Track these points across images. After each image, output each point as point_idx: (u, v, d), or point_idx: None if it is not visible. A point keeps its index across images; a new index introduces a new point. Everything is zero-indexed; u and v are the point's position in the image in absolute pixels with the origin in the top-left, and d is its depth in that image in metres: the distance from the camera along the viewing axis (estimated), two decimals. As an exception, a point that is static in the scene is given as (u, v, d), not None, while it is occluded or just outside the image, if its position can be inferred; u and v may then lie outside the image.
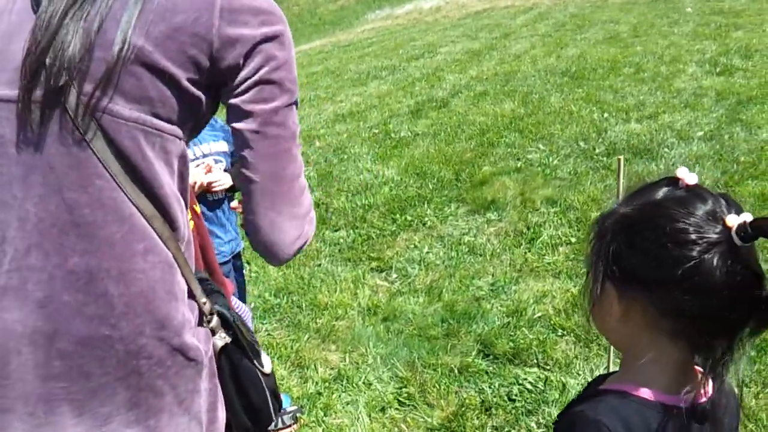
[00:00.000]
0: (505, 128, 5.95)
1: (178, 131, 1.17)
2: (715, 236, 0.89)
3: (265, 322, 3.36)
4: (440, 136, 5.90)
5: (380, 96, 7.74)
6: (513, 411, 2.60)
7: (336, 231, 4.25)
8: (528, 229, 3.98)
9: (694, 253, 0.89)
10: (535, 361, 2.82)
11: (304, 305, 3.44)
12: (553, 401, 2.61)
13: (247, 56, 1.16)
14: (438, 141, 5.79)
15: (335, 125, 6.63)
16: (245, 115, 1.18)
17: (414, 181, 4.90)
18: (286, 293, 3.56)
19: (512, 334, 3.01)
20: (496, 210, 4.28)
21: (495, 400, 2.64)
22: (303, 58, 11.31)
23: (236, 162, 1.22)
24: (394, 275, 3.65)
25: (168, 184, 1.18)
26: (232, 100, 1.18)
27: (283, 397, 2.78)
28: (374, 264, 3.78)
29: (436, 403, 2.67)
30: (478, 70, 8.73)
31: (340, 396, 2.78)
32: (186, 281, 1.24)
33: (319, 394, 2.80)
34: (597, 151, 5.15)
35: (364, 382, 2.83)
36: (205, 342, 1.29)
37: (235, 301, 2.26)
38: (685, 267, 0.89)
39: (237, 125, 1.19)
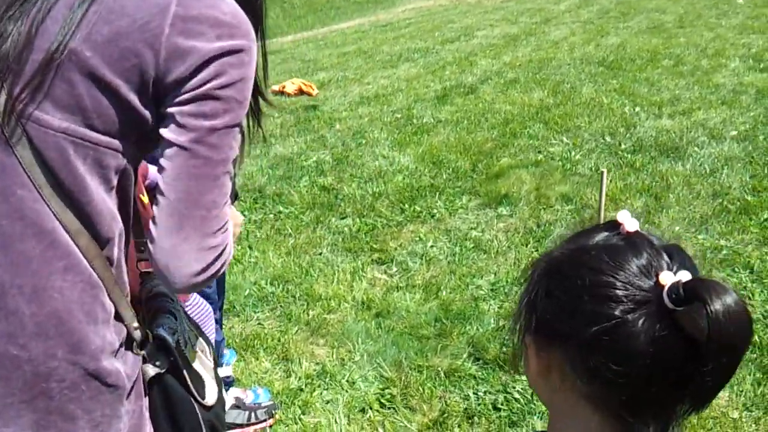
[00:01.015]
0: (530, 118, 5.77)
1: (117, 144, 1.08)
2: (643, 294, 0.76)
3: (257, 310, 3.28)
4: (462, 124, 5.74)
5: (408, 79, 7.58)
6: (497, 421, 2.48)
7: (342, 219, 4.15)
8: (538, 226, 3.82)
9: (616, 312, 0.76)
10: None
11: (298, 295, 3.35)
12: (539, 413, 2.48)
13: (198, 70, 1.05)
14: (459, 129, 5.63)
15: (358, 108, 6.51)
16: (178, 126, 1.07)
17: (429, 170, 4.76)
18: (282, 282, 3.47)
19: (506, 338, 2.88)
20: (508, 205, 4.13)
21: (479, 408, 2.53)
22: (338, 38, 11.18)
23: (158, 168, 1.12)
24: (394, 268, 3.54)
25: (101, 199, 1.09)
26: (170, 109, 1.07)
27: (262, 391, 2.71)
28: (375, 255, 3.67)
29: (418, 408, 2.56)
30: (512, 56, 8.50)
31: (321, 393, 2.69)
32: (114, 303, 1.15)
33: (301, 390, 2.72)
34: (623, 146, 4.94)
35: (347, 381, 2.74)
36: (131, 366, 1.20)
37: (194, 298, 2.18)
38: (602, 326, 0.77)
39: (165, 134, 1.07)
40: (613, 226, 0.85)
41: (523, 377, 2.64)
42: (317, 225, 4.08)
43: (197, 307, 2.26)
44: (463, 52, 8.95)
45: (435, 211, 4.13)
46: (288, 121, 6.25)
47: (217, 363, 1.55)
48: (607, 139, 5.12)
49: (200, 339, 1.50)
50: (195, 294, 2.25)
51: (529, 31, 10.27)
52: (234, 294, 3.37)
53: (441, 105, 6.42)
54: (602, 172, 1.93)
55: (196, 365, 1.41)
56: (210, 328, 2.35)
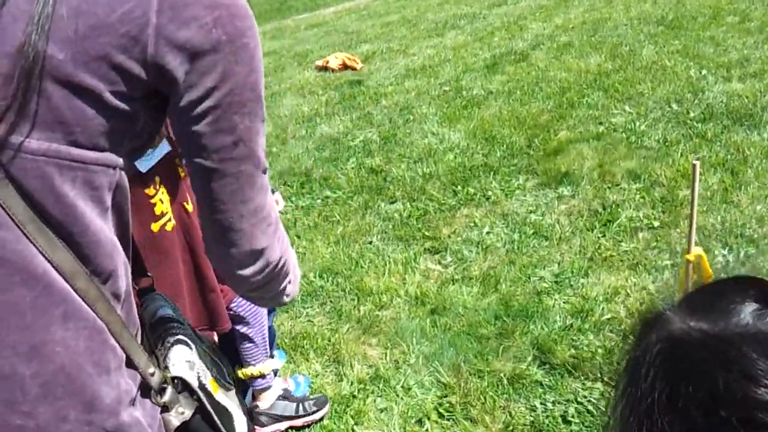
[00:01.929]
0: (588, 86, 5.42)
1: (111, 158, 0.90)
2: None
3: (306, 306, 3.11)
4: (515, 95, 5.43)
5: (456, 48, 7.26)
6: (568, 435, 2.26)
7: (392, 203, 3.94)
8: (604, 208, 3.54)
9: None
10: (598, 374, 2.46)
11: (348, 289, 3.17)
12: (615, 425, 2.25)
13: (197, 67, 0.87)
14: (512, 100, 5.33)
15: (405, 81, 6.24)
16: (199, 149, 0.92)
17: (481, 147, 4.50)
18: (332, 274, 3.29)
19: (575, 338, 2.64)
20: (569, 184, 3.84)
21: (547, 421, 2.31)
22: (380, 7, 10.85)
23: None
24: (449, 258, 3.32)
25: (99, 228, 0.91)
26: (184, 128, 0.91)
27: (302, 378, 2.61)
28: (428, 244, 3.45)
29: (480, 419, 2.36)
30: (565, 17, 8.07)
31: (375, 401, 2.51)
32: (124, 349, 0.98)
33: (354, 396, 2.55)
34: (691, 115, 4.58)
35: (402, 386, 2.55)
36: (150, 414, 1.03)
37: (239, 302, 2.04)
38: None
39: (189, 154, 0.95)
40: (764, 294, 0.61)
41: (597, 384, 2.41)
42: (366, 210, 3.88)
43: (241, 308, 2.14)
44: (511, 16, 8.55)
45: (490, 192, 3.88)
46: (333, 98, 6.03)
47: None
48: (674, 106, 4.76)
49: (217, 360, 1.33)
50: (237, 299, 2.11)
51: (582, -11, 9.78)
52: (281, 289, 3.21)
53: (491, 75, 6.10)
54: (694, 165, 1.67)
55: (220, 397, 1.24)
56: (263, 320, 2.26)
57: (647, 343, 0.64)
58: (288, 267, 1.09)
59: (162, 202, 1.83)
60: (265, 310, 2.31)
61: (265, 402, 2.41)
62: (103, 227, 0.93)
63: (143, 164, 1.76)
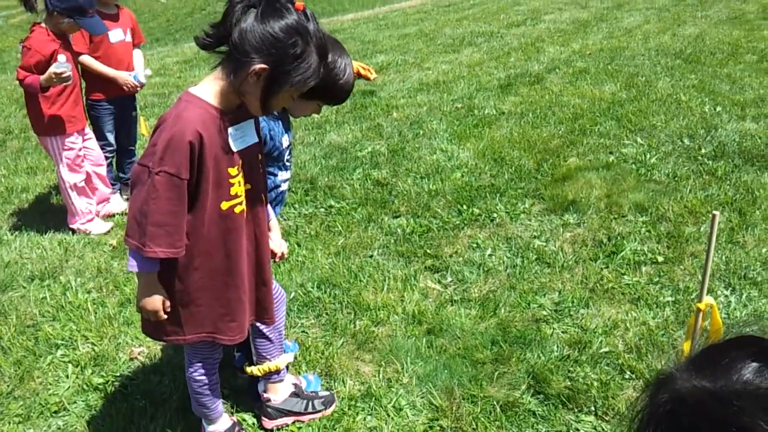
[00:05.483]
0: (601, 114, 5.40)
1: None
2: None
3: (302, 316, 3.08)
4: (527, 118, 5.42)
5: (471, 65, 7.25)
6: (558, 468, 2.23)
7: (396, 217, 3.91)
8: (609, 240, 3.51)
9: None
10: (592, 407, 2.42)
11: (345, 302, 3.13)
12: (606, 463, 2.22)
13: None
14: (524, 123, 5.31)
15: (417, 95, 6.23)
16: None
17: (489, 168, 4.47)
18: (330, 286, 3.26)
19: (571, 369, 2.61)
20: (576, 212, 3.82)
21: (538, 452, 2.27)
22: (399, 18, 10.86)
23: None
24: (449, 278, 3.29)
25: None
26: None
27: (312, 377, 2.65)
28: (429, 262, 3.42)
29: (470, 446, 2.32)
30: (582, 43, 8.07)
31: (365, 419, 2.47)
32: None
33: (343, 413, 2.51)
34: (703, 151, 4.56)
35: (393, 406, 2.52)
36: None
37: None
38: None
39: None
40: (764, 354, 0.60)
41: (590, 418, 2.38)
42: (369, 223, 3.85)
43: (277, 291, 2.33)
44: (529, 38, 8.55)
45: (495, 214, 3.85)
46: (344, 107, 6.02)
47: None
48: (686, 141, 4.73)
49: None
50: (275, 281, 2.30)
51: (601, 16, 9.79)
52: (278, 296, 3.18)
53: (504, 95, 6.09)
54: (714, 215, 1.65)
55: None
56: (282, 318, 2.41)
57: (656, 401, 0.65)
58: None
59: (239, 185, 1.93)
60: (283, 310, 2.42)
61: (278, 396, 2.47)
62: None
63: (236, 144, 1.88)
